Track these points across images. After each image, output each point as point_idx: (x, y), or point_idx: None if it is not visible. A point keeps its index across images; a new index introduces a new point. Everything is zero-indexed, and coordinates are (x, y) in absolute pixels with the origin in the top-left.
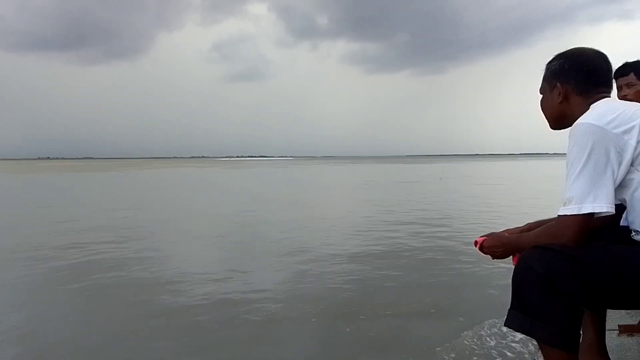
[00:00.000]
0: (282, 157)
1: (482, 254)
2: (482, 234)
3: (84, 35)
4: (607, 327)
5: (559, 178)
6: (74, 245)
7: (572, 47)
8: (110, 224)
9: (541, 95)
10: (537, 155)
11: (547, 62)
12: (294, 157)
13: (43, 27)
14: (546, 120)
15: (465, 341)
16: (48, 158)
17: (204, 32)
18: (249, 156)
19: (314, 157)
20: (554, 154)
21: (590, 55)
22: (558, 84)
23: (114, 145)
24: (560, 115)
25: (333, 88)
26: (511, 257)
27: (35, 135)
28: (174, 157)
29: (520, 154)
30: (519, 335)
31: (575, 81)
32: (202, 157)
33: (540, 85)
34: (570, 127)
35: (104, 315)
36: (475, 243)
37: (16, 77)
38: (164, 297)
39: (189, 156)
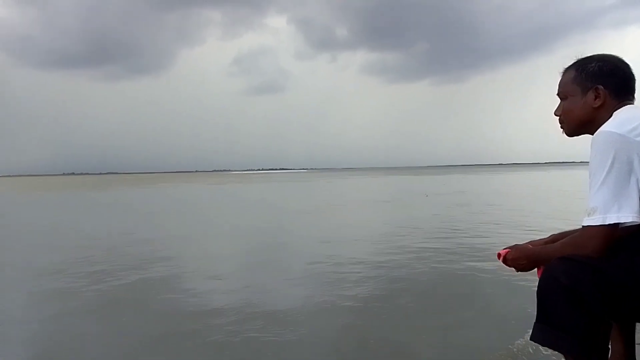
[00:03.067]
0: (303, 169)
1: (506, 266)
2: (504, 247)
3: (108, 52)
4: (638, 340)
5: (571, 194)
6: (101, 263)
7: (597, 52)
8: (139, 242)
9: (564, 99)
10: (562, 164)
11: (576, 65)
12: (314, 169)
13: (69, 45)
14: (564, 125)
15: (490, 357)
16: (72, 174)
17: (225, 46)
18: (269, 169)
19: (333, 169)
20: (580, 162)
21: (621, 62)
22: (600, 87)
23: (136, 160)
24: (589, 119)
25: (353, 99)
26: (535, 269)
27: (61, 151)
28: (196, 171)
29: (545, 162)
30: (546, 349)
31: (615, 85)
32: (224, 170)
33: (561, 88)
34: (590, 134)
35: (126, 329)
36: (499, 255)
37: (43, 94)
38: (185, 311)
39: (211, 169)
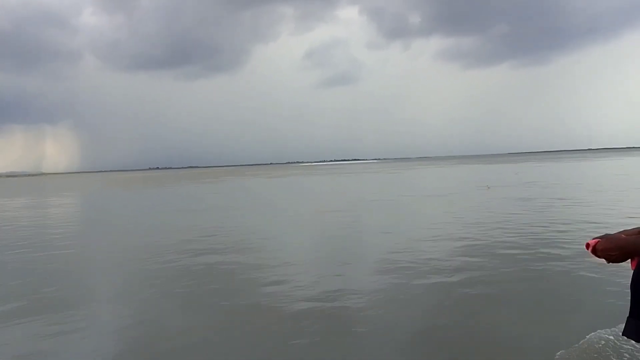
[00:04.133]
0: (376, 159)
1: (596, 257)
2: (594, 237)
3: (188, 53)
4: None
5: None
6: (190, 244)
7: None
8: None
9: None
10: None
11: None
12: (387, 159)
13: (152, 48)
14: None
15: (579, 351)
16: (157, 168)
17: (297, 41)
18: (342, 159)
19: (407, 159)
20: None
21: None
22: None
23: (215, 154)
24: None
25: (428, 86)
26: (629, 260)
27: (146, 147)
28: (270, 164)
29: None
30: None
31: None
32: (297, 162)
33: None
34: None
35: (207, 310)
36: (587, 246)
37: (130, 95)
38: (265, 297)
39: (285, 162)
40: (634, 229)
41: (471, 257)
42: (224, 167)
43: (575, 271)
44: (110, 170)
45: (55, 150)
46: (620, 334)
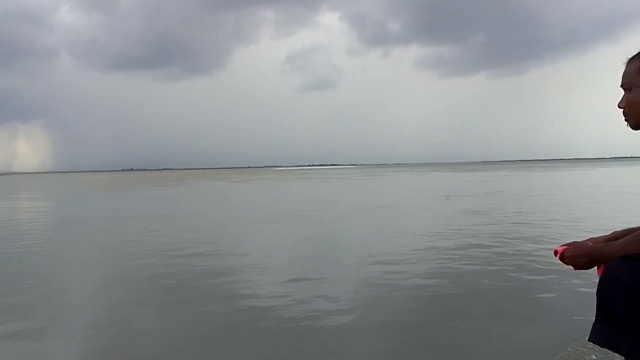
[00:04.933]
0: (353, 164)
1: (564, 264)
2: (562, 243)
3: (168, 54)
4: None
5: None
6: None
7: None
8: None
9: (628, 90)
10: (630, 159)
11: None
12: (364, 164)
13: (132, 48)
14: (628, 118)
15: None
16: (132, 169)
17: (278, 45)
18: (320, 164)
19: (384, 165)
20: None
21: None
22: None
23: (191, 156)
24: None
25: (406, 94)
26: (595, 268)
27: (122, 148)
28: (248, 167)
29: (610, 158)
30: (604, 352)
31: None
32: (274, 166)
33: (625, 79)
34: None
35: (180, 314)
36: (555, 252)
37: (107, 95)
38: (238, 300)
39: (263, 166)
40: (600, 237)
41: (403, 275)
42: (200, 170)
43: (516, 287)
44: (83, 171)
45: (28, 150)
46: (587, 339)
